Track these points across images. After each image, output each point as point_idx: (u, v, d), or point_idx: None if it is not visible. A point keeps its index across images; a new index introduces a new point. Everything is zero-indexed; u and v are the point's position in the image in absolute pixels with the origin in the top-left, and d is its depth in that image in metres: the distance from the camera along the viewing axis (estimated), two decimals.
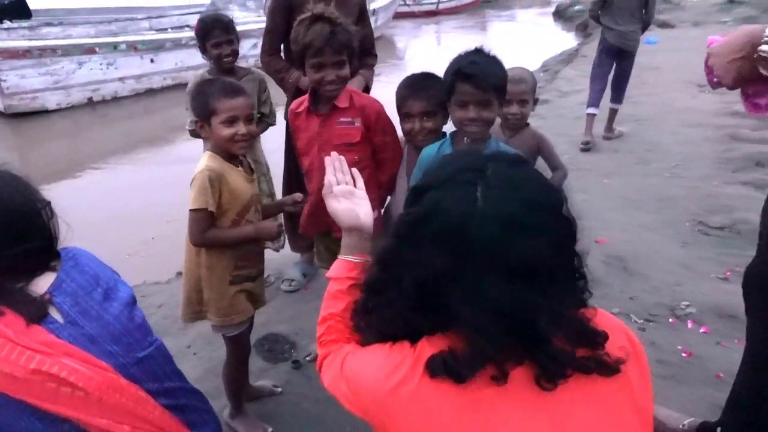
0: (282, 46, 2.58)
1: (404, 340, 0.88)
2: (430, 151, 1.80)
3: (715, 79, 1.28)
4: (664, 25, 11.66)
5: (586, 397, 0.82)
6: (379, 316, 0.93)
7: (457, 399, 0.80)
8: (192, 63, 7.47)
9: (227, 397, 2.03)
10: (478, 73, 1.62)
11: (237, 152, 1.75)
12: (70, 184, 5.02)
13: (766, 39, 1.10)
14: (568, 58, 9.09)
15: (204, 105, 1.70)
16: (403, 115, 1.94)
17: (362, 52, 2.57)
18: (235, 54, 2.55)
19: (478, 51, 1.70)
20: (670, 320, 2.47)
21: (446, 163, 0.92)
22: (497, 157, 0.90)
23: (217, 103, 1.67)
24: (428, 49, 11.99)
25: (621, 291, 2.65)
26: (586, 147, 4.58)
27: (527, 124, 2.24)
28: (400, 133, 2.04)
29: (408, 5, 14.54)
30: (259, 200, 1.88)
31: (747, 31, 1.17)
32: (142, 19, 9.55)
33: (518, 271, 0.79)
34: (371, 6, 10.73)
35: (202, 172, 1.67)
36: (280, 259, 3.12)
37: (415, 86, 1.93)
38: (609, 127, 4.84)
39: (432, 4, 15.53)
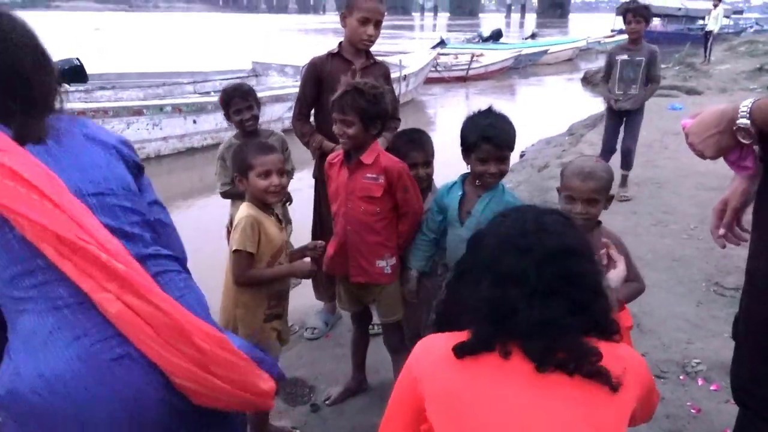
0: (313, 112, 2.83)
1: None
2: (447, 185, 2.11)
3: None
4: (690, 91, 11.83)
5: (578, 388, 1.01)
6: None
7: (469, 369, 1.05)
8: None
9: None
10: (498, 135, 1.91)
11: (270, 201, 2.01)
12: None
13: (742, 113, 1.24)
14: (594, 122, 9.28)
15: (242, 161, 1.98)
16: (408, 166, 2.20)
17: None
18: (254, 118, 2.76)
19: (491, 111, 1.98)
20: (681, 377, 2.51)
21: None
22: (537, 207, 1.25)
23: (253, 159, 1.95)
24: (457, 113, 12.38)
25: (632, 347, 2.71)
26: None
27: (599, 223, 1.85)
28: None
29: (438, 71, 14.99)
30: (287, 247, 2.09)
31: (718, 109, 1.31)
32: (187, 83, 10.21)
33: (506, 279, 1.08)
34: (403, 72, 11.23)
35: (245, 218, 1.92)
36: (304, 309, 3.27)
37: (416, 140, 2.27)
38: None
39: (462, 70, 15.98)
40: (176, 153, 7.90)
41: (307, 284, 3.05)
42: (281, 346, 2.14)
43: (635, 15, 4.68)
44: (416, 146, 2.27)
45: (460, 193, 2.03)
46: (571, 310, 1.06)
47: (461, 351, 1.06)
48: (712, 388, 2.41)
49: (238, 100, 2.72)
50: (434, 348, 1.12)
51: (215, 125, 8.12)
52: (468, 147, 1.95)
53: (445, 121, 11.21)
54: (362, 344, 2.49)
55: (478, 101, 13.77)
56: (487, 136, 1.90)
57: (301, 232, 3.05)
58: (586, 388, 1.01)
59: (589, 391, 1.01)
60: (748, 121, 1.23)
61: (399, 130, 2.55)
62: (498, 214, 1.23)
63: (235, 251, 1.92)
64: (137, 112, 7.44)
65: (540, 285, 1.06)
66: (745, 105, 1.24)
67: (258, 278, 1.97)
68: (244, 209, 1.98)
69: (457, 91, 14.62)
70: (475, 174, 1.98)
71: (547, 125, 9.70)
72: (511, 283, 1.07)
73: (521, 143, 8.67)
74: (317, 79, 2.65)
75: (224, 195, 2.87)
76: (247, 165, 1.96)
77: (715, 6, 16.85)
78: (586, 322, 1.07)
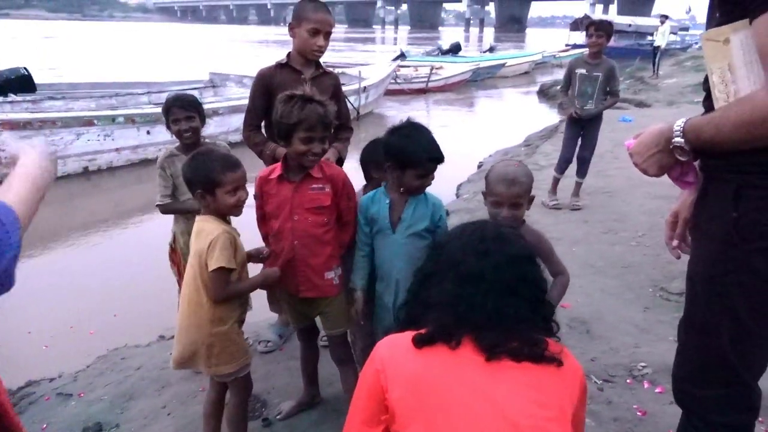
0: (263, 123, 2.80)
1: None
2: (369, 196, 2.12)
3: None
4: (640, 104, 12.29)
5: (524, 372, 1.14)
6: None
7: (428, 356, 1.17)
8: None
9: None
10: (442, 155, 1.98)
11: (237, 215, 2.00)
12: (54, 250, 5.16)
13: (676, 132, 1.29)
14: (549, 134, 9.51)
15: (208, 178, 1.90)
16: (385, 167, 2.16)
17: (338, 127, 2.80)
18: (193, 130, 2.68)
19: (419, 127, 2.02)
20: (628, 381, 2.57)
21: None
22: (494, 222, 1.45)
23: (222, 176, 1.89)
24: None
25: (582, 352, 2.76)
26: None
27: (523, 221, 1.96)
28: None
29: (398, 83, 15.15)
30: None
31: (656, 130, 1.36)
32: (141, 93, 9.98)
33: (466, 277, 1.22)
34: (362, 84, 11.28)
35: (222, 235, 1.87)
36: (259, 321, 3.22)
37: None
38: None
39: (422, 82, 16.18)
40: (130, 165, 7.70)
41: (261, 297, 3.00)
42: None
43: (597, 29, 4.76)
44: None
45: (387, 201, 2.05)
46: (525, 307, 1.22)
47: (420, 340, 1.18)
48: (657, 390, 2.47)
49: (177, 110, 2.64)
50: (396, 342, 1.23)
51: (171, 136, 7.93)
52: (406, 163, 1.95)
53: None
54: (311, 359, 2.45)
55: (438, 113, 13.96)
56: (436, 157, 1.95)
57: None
58: (532, 371, 1.13)
59: (534, 375, 1.13)
60: (682, 140, 1.28)
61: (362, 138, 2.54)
62: (459, 225, 1.39)
63: (216, 269, 1.86)
64: (88, 122, 7.23)
65: (496, 284, 1.21)
66: (678, 125, 1.28)
67: (237, 292, 1.96)
68: (216, 225, 1.92)
69: (417, 103, 14.76)
70: (408, 186, 2.00)
71: (505, 136, 9.90)
72: (470, 282, 1.22)
73: (479, 154, 8.84)
74: (266, 89, 2.63)
75: (164, 209, 2.72)
76: (215, 182, 1.90)
77: (662, 23, 17.60)
78: (536, 318, 1.24)
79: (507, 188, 1.84)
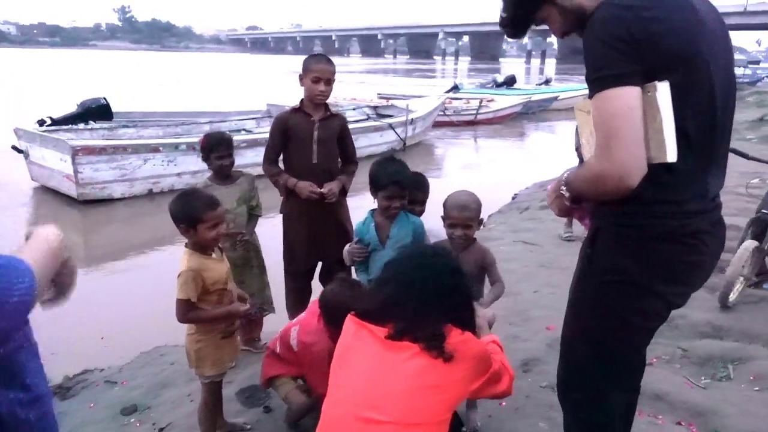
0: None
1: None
2: (360, 223, 2.62)
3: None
4: None
5: (417, 354, 1.49)
6: None
7: (356, 336, 1.61)
8: (241, 162, 8.41)
9: None
10: (403, 179, 2.44)
11: (214, 246, 2.31)
12: (123, 263, 5.89)
13: (563, 182, 1.55)
14: None
15: (191, 215, 2.17)
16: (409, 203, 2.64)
17: (345, 160, 3.26)
18: (231, 164, 3.17)
19: (395, 159, 2.52)
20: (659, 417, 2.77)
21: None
22: (431, 244, 1.92)
23: (203, 214, 2.17)
24: (466, 155, 12.85)
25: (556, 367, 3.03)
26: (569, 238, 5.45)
27: (474, 239, 2.40)
28: None
29: (447, 115, 15.54)
30: (230, 273, 2.40)
31: (559, 177, 1.63)
32: (204, 123, 10.86)
33: (403, 284, 1.60)
34: (410, 116, 11.81)
35: (185, 273, 2.16)
36: (273, 329, 3.65)
37: (419, 181, 2.74)
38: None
39: (471, 114, 16.46)
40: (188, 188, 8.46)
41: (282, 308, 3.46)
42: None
43: None
44: (418, 186, 2.68)
45: (373, 224, 2.54)
46: (443, 308, 1.57)
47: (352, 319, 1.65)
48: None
49: (223, 149, 3.11)
50: (349, 319, 1.68)
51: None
52: (378, 187, 2.45)
53: (453, 163, 11.66)
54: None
55: (484, 144, 14.26)
56: (396, 180, 2.42)
57: (275, 261, 3.47)
58: (427, 357, 1.48)
59: (428, 359, 1.48)
60: (565, 188, 1.53)
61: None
62: (407, 246, 1.86)
63: (177, 300, 2.16)
64: (154, 149, 8.03)
65: (424, 289, 1.57)
66: (564, 175, 1.55)
67: (197, 320, 2.25)
68: (187, 260, 2.19)
69: (465, 135, 15.11)
70: (380, 206, 2.49)
71: (545, 169, 10.07)
72: (405, 287, 1.60)
73: (516, 186, 9.07)
74: (283, 131, 3.11)
75: None
76: (197, 219, 2.16)
77: None
78: (452, 317, 1.57)
79: (460, 212, 2.27)
